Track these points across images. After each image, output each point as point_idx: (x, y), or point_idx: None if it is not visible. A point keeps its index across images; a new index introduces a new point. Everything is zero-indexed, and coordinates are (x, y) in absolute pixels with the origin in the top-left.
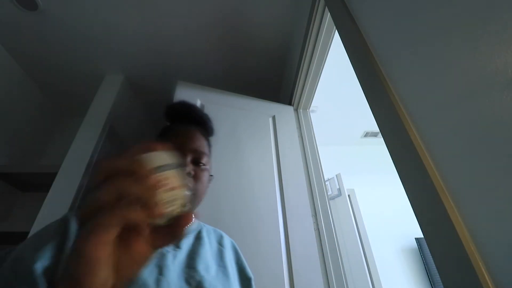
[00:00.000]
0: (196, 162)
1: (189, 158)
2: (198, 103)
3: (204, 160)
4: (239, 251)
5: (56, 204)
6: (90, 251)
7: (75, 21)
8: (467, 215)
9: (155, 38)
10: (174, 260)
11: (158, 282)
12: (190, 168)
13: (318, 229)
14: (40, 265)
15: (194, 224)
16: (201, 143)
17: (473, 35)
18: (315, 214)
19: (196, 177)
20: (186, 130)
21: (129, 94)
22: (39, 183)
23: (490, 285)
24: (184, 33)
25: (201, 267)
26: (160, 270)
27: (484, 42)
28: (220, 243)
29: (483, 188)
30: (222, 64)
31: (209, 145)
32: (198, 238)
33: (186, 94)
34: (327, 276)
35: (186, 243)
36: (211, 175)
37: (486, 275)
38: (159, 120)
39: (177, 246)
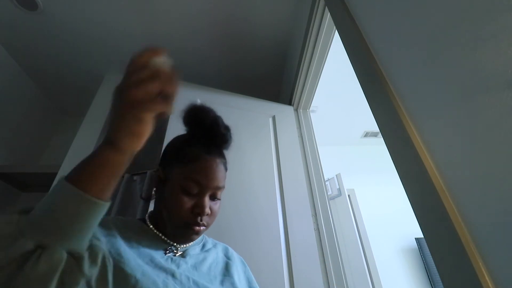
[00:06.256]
0: (213, 197)
1: (207, 195)
2: (198, 103)
3: (220, 194)
4: (246, 264)
5: None
6: (138, 129)
7: (75, 21)
8: (467, 215)
9: (154, 37)
10: (178, 269)
11: (166, 285)
12: (208, 209)
13: (318, 229)
14: None
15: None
16: (223, 176)
17: (473, 35)
18: (315, 214)
19: (211, 214)
20: (211, 163)
21: None
22: (39, 183)
23: (490, 285)
24: (183, 33)
25: (204, 279)
26: (171, 273)
27: (484, 42)
28: (226, 256)
29: (483, 188)
30: (222, 63)
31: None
32: (203, 253)
33: (185, 93)
34: (327, 276)
35: (192, 253)
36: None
37: (486, 275)
38: (158, 120)
39: (183, 256)
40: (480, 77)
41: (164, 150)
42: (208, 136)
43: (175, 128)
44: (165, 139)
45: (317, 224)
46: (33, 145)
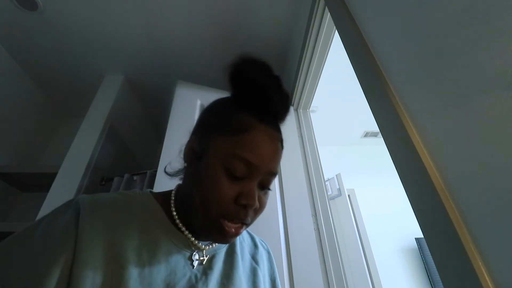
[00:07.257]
0: (264, 185)
1: (257, 181)
2: (198, 103)
3: (272, 182)
4: (274, 261)
5: (56, 204)
6: None
7: (75, 21)
8: (467, 215)
9: (154, 37)
10: (204, 284)
11: None
12: (257, 200)
13: (318, 229)
14: None
15: None
16: (279, 157)
17: (473, 35)
18: (315, 214)
19: (259, 208)
20: (266, 137)
21: (129, 94)
22: (39, 183)
23: (490, 285)
24: (183, 33)
25: None
26: None
27: (484, 42)
28: (254, 258)
29: (483, 188)
30: (222, 63)
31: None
32: (230, 255)
33: (186, 93)
34: (327, 276)
35: (217, 264)
36: None
37: (486, 275)
38: (159, 119)
39: (209, 267)
40: (480, 77)
41: (201, 115)
42: (263, 101)
43: (176, 128)
44: (165, 139)
45: (317, 224)
46: (33, 145)
